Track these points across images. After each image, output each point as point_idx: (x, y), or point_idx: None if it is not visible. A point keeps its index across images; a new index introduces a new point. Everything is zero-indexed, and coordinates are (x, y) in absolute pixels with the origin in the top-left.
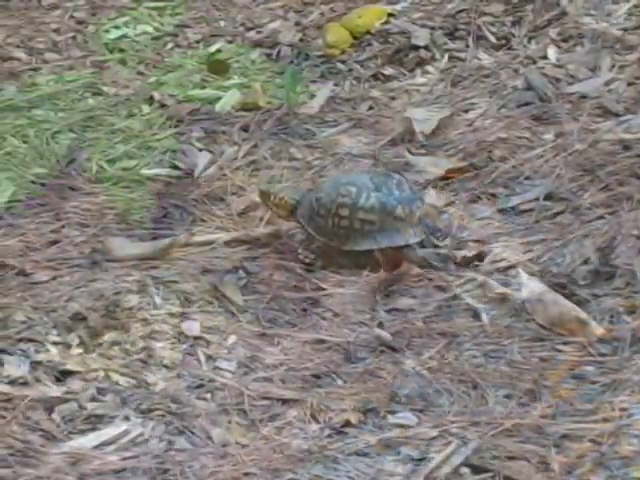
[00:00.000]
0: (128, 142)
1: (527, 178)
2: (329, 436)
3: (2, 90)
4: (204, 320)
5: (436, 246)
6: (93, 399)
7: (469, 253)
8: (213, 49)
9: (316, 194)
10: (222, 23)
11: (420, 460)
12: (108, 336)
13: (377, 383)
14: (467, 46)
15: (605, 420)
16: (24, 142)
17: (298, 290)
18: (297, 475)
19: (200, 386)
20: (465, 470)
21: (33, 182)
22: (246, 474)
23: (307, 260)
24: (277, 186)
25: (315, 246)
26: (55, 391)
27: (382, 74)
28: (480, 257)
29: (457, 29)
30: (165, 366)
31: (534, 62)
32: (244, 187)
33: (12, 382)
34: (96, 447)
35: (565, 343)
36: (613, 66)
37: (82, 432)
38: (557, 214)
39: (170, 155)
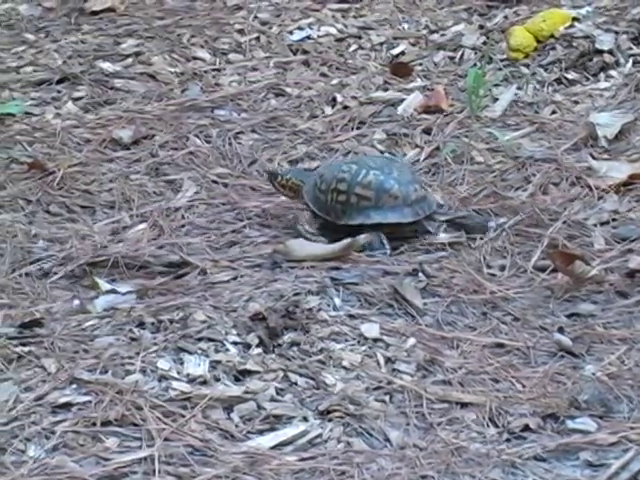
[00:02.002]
0: (310, 143)
1: None
2: (507, 440)
3: (186, 90)
4: (383, 322)
5: (427, 231)
6: (272, 399)
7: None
8: (396, 51)
9: (320, 172)
10: (405, 25)
11: (599, 466)
12: (287, 337)
13: (556, 388)
14: None
15: None
16: (207, 142)
17: (478, 293)
18: (475, 479)
19: (379, 388)
20: None
21: (215, 182)
22: (423, 477)
23: (307, 235)
24: (284, 168)
25: (319, 223)
26: (234, 391)
27: (565, 78)
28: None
29: None
30: (344, 367)
31: None
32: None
33: (192, 381)
34: (274, 447)
35: None
36: None
37: (260, 432)
38: None
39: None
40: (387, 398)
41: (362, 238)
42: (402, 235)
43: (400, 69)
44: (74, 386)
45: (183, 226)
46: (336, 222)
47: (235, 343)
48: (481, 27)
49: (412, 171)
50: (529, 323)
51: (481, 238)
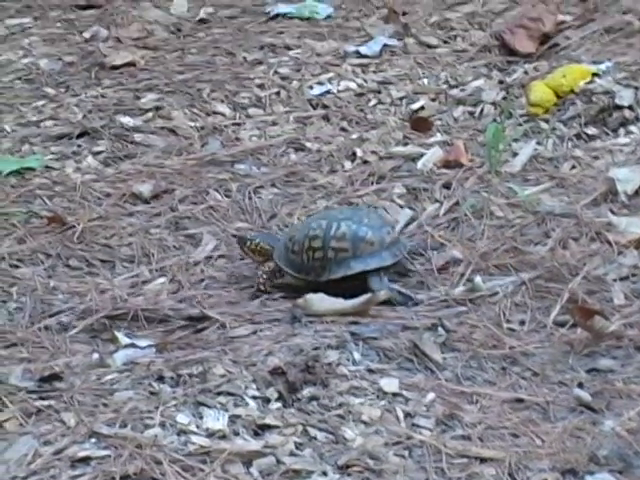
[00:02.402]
0: (330, 198)
1: None
2: None
3: (206, 144)
4: (403, 377)
5: (409, 270)
6: (291, 454)
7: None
8: (416, 106)
9: (289, 234)
10: (425, 80)
11: None
12: (307, 391)
13: (576, 443)
14: None
15: None
16: (226, 196)
17: (497, 348)
18: None
19: (398, 443)
20: None
21: (235, 236)
22: None
23: (261, 288)
24: (252, 233)
25: (280, 281)
26: (253, 445)
27: (585, 133)
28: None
29: None
30: (363, 422)
31: None
32: (444, 243)
33: (211, 435)
34: None
35: None
36: None
37: None
38: None
39: None
40: (406, 453)
41: (382, 294)
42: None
43: (420, 124)
44: (93, 440)
45: (202, 280)
46: (318, 280)
47: (254, 397)
48: (501, 82)
49: (379, 215)
50: (548, 378)
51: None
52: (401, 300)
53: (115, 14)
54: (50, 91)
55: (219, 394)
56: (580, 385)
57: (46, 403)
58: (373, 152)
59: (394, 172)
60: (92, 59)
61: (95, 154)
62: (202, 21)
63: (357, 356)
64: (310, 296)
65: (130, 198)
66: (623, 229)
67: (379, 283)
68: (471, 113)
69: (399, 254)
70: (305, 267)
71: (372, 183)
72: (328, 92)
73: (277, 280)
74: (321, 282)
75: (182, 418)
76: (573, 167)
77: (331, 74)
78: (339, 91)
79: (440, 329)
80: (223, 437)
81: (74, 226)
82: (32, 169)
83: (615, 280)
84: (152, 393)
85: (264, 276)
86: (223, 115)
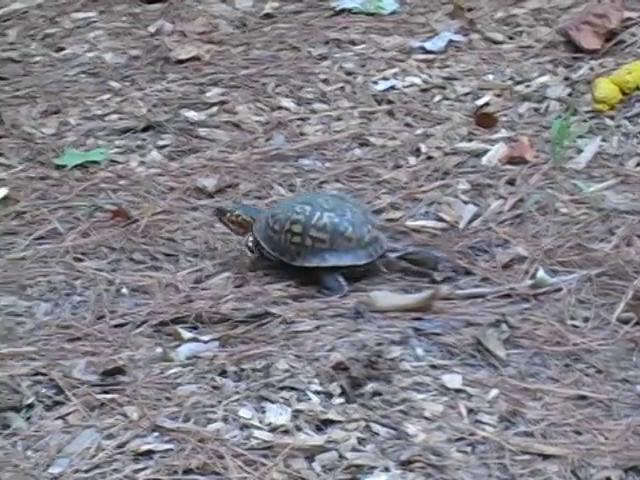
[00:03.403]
0: (394, 193)
1: None
2: None
3: (271, 139)
4: (466, 373)
5: (379, 271)
6: (353, 449)
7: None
8: (481, 102)
9: (272, 211)
10: (490, 76)
11: None
12: (369, 386)
13: (639, 441)
14: None
15: None
16: (290, 191)
17: (561, 345)
18: None
19: (460, 439)
20: None
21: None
22: None
23: (247, 254)
24: (231, 204)
25: (258, 255)
26: (316, 440)
27: None
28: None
29: None
30: (426, 418)
31: None
32: (509, 240)
33: (273, 430)
34: None
35: None
36: None
37: None
38: None
39: (435, 207)
40: (469, 449)
41: (445, 289)
42: (354, 275)
43: (485, 120)
44: (156, 434)
45: (266, 275)
46: (291, 263)
47: (317, 392)
48: (566, 79)
49: (364, 211)
50: (612, 375)
51: (434, 270)
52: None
53: (180, 8)
54: (115, 85)
55: (282, 389)
56: None
57: (109, 397)
58: (437, 148)
59: (458, 168)
60: (157, 53)
61: (159, 148)
62: (267, 16)
63: (420, 352)
64: (374, 293)
65: (194, 192)
66: None
67: (334, 282)
68: (536, 109)
69: (374, 254)
70: (280, 247)
71: (436, 179)
72: (393, 87)
73: (255, 254)
74: (293, 265)
75: (245, 412)
76: (638, 164)
77: (396, 69)
78: (404, 87)
79: (504, 325)
80: (286, 432)
81: (138, 220)
82: (97, 163)
83: None
84: (215, 387)
85: (245, 247)
86: (288, 110)
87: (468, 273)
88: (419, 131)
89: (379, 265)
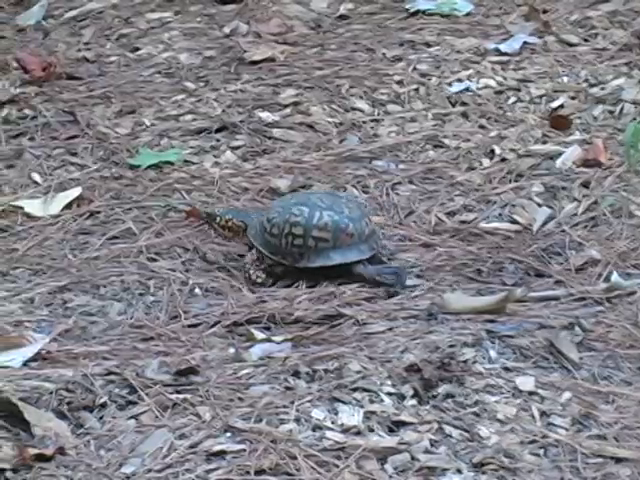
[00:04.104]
0: (467, 195)
1: None
2: None
3: (344, 140)
4: (539, 375)
5: (382, 262)
6: (426, 451)
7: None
8: (555, 104)
9: (267, 214)
10: (565, 79)
11: None
12: (442, 388)
13: None
14: None
15: None
16: (364, 192)
17: (634, 348)
18: None
19: (533, 442)
20: None
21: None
22: None
23: (259, 280)
24: (221, 209)
25: (266, 265)
26: (388, 441)
27: None
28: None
29: None
30: (498, 420)
31: None
32: (583, 243)
33: (346, 431)
34: None
35: None
36: None
37: None
38: None
39: (509, 209)
40: (541, 452)
41: (519, 292)
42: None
43: (559, 122)
44: (228, 434)
45: (340, 276)
46: (294, 265)
47: (390, 394)
48: None
49: (358, 205)
50: None
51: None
52: (392, 280)
53: (255, 9)
54: (190, 85)
55: (354, 390)
56: None
57: (182, 396)
58: (512, 150)
59: (532, 170)
60: (232, 54)
61: (233, 149)
62: (342, 17)
63: (493, 354)
64: (447, 294)
65: (268, 193)
66: None
67: (363, 268)
68: (611, 112)
69: (375, 247)
70: (282, 251)
71: (510, 181)
72: (467, 89)
73: (262, 265)
74: (298, 268)
75: (317, 413)
76: None
77: (470, 71)
78: (478, 88)
79: (577, 328)
80: (358, 433)
81: None
82: (171, 163)
83: None
84: (287, 388)
85: (251, 268)
86: (362, 111)
87: (541, 275)
88: (493, 133)
89: (381, 256)
